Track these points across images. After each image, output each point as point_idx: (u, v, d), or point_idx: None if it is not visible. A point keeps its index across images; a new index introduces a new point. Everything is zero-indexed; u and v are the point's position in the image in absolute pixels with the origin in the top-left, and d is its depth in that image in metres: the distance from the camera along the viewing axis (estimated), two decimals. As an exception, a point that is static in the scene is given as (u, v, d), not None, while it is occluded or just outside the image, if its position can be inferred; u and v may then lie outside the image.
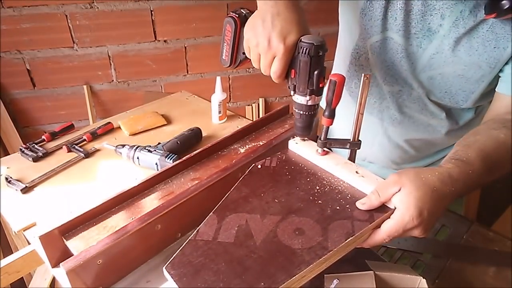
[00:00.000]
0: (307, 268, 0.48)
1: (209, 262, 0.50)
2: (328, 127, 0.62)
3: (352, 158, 0.64)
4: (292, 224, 0.54)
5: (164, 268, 0.50)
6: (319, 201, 0.57)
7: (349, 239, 0.51)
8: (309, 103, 0.61)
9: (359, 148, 0.63)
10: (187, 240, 0.53)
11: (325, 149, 0.64)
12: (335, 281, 0.56)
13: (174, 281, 0.48)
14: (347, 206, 0.56)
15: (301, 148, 0.67)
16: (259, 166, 0.66)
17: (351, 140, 0.62)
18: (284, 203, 0.58)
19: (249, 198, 0.60)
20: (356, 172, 0.60)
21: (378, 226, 0.54)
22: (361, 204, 0.55)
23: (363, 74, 0.57)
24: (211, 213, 0.57)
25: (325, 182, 0.61)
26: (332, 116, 0.61)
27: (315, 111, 0.64)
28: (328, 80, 0.59)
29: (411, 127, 0.83)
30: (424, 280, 0.56)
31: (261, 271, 0.48)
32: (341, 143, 0.63)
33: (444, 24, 0.68)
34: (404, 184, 0.52)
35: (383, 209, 0.55)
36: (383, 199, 0.54)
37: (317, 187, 0.60)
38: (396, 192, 0.53)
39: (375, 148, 0.91)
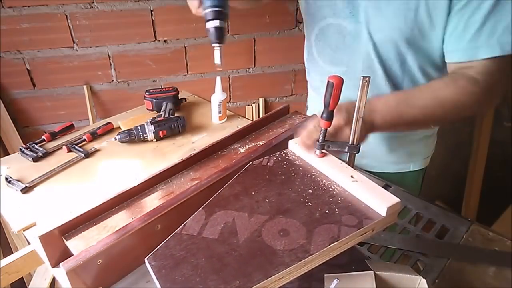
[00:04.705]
0: (285, 270, 0.48)
1: (190, 256, 0.50)
2: (326, 129, 0.62)
3: (350, 161, 0.64)
4: (278, 224, 0.54)
5: (146, 259, 0.50)
6: (309, 204, 0.57)
7: (333, 244, 0.50)
8: None
9: (358, 152, 0.62)
10: (173, 233, 0.54)
11: (323, 151, 0.64)
12: (335, 281, 0.56)
13: (153, 272, 0.49)
14: (337, 210, 0.56)
15: (301, 149, 0.67)
16: (255, 165, 0.66)
17: (350, 143, 0.62)
18: (274, 203, 0.58)
19: (240, 196, 0.60)
20: (351, 176, 0.60)
21: (365, 233, 0.54)
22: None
23: (361, 77, 0.57)
24: (201, 208, 0.57)
25: (319, 185, 0.61)
26: (330, 118, 0.61)
27: None
28: (326, 82, 0.59)
29: None
30: (424, 280, 0.55)
31: (239, 269, 0.48)
32: (340, 146, 0.63)
33: None
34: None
35: (372, 216, 0.55)
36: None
37: (310, 190, 0.60)
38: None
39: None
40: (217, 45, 0.71)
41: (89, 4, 1.55)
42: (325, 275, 0.62)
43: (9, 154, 1.34)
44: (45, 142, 1.00)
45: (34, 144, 0.97)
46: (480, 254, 0.68)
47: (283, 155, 0.68)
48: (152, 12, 1.63)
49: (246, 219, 0.55)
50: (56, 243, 0.61)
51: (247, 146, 0.84)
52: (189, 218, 0.56)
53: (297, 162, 0.66)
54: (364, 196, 0.57)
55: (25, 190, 0.83)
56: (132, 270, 0.65)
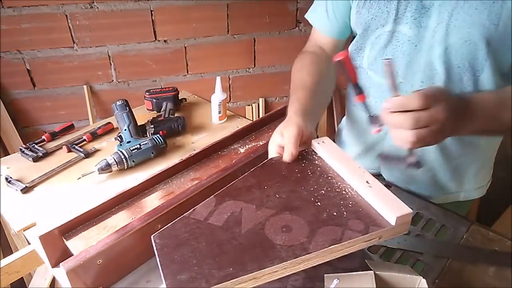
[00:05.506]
0: (280, 265, 0.49)
1: (192, 240, 0.52)
2: (364, 102, 0.63)
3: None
4: (283, 220, 0.55)
5: (152, 236, 0.53)
6: (319, 204, 0.57)
7: (333, 246, 0.51)
8: None
9: (419, 168, 0.61)
10: (181, 216, 0.56)
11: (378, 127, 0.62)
12: (335, 281, 0.56)
13: (156, 249, 0.51)
14: (345, 213, 0.56)
15: (322, 150, 0.67)
16: (273, 161, 0.67)
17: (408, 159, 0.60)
18: (283, 200, 0.58)
19: (253, 189, 0.60)
20: (367, 182, 0.59)
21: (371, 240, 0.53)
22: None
23: (382, 61, 0.56)
24: (212, 196, 0.59)
25: (333, 187, 0.61)
26: (361, 91, 0.61)
27: None
28: (334, 63, 0.59)
29: None
30: (424, 280, 0.55)
31: (235, 257, 0.50)
32: (397, 161, 0.62)
33: None
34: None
35: (381, 223, 0.54)
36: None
37: (323, 190, 0.60)
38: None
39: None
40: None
41: (89, 4, 1.55)
42: (325, 275, 0.62)
43: (9, 154, 1.34)
44: (45, 142, 1.00)
45: (34, 144, 0.97)
46: (480, 254, 0.68)
47: (304, 153, 0.68)
48: (152, 12, 1.63)
49: (253, 211, 0.56)
50: (56, 243, 0.61)
51: (247, 146, 0.84)
52: (200, 204, 0.58)
53: (316, 162, 0.66)
54: (375, 202, 0.56)
55: (25, 190, 0.83)
56: (132, 270, 0.65)
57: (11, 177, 0.86)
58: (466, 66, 0.72)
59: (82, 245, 0.60)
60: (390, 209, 0.54)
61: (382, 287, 0.56)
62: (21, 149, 0.95)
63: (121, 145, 0.91)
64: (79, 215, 0.63)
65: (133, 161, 0.88)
